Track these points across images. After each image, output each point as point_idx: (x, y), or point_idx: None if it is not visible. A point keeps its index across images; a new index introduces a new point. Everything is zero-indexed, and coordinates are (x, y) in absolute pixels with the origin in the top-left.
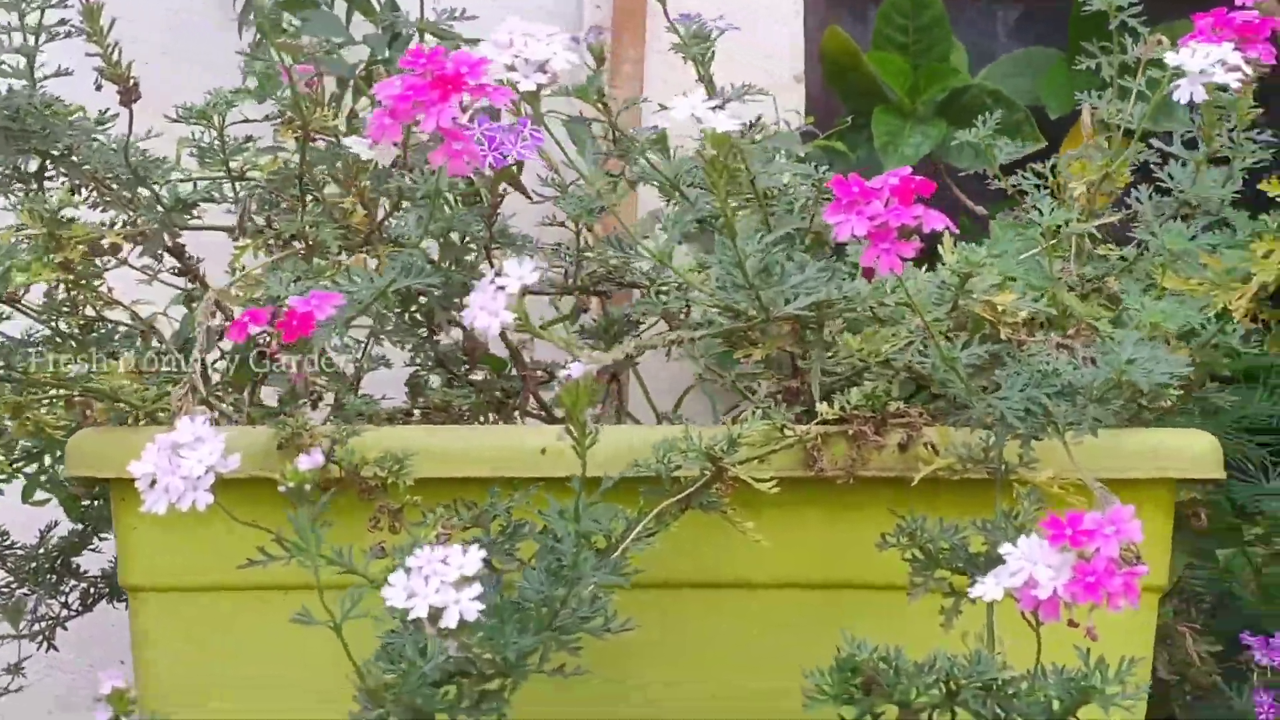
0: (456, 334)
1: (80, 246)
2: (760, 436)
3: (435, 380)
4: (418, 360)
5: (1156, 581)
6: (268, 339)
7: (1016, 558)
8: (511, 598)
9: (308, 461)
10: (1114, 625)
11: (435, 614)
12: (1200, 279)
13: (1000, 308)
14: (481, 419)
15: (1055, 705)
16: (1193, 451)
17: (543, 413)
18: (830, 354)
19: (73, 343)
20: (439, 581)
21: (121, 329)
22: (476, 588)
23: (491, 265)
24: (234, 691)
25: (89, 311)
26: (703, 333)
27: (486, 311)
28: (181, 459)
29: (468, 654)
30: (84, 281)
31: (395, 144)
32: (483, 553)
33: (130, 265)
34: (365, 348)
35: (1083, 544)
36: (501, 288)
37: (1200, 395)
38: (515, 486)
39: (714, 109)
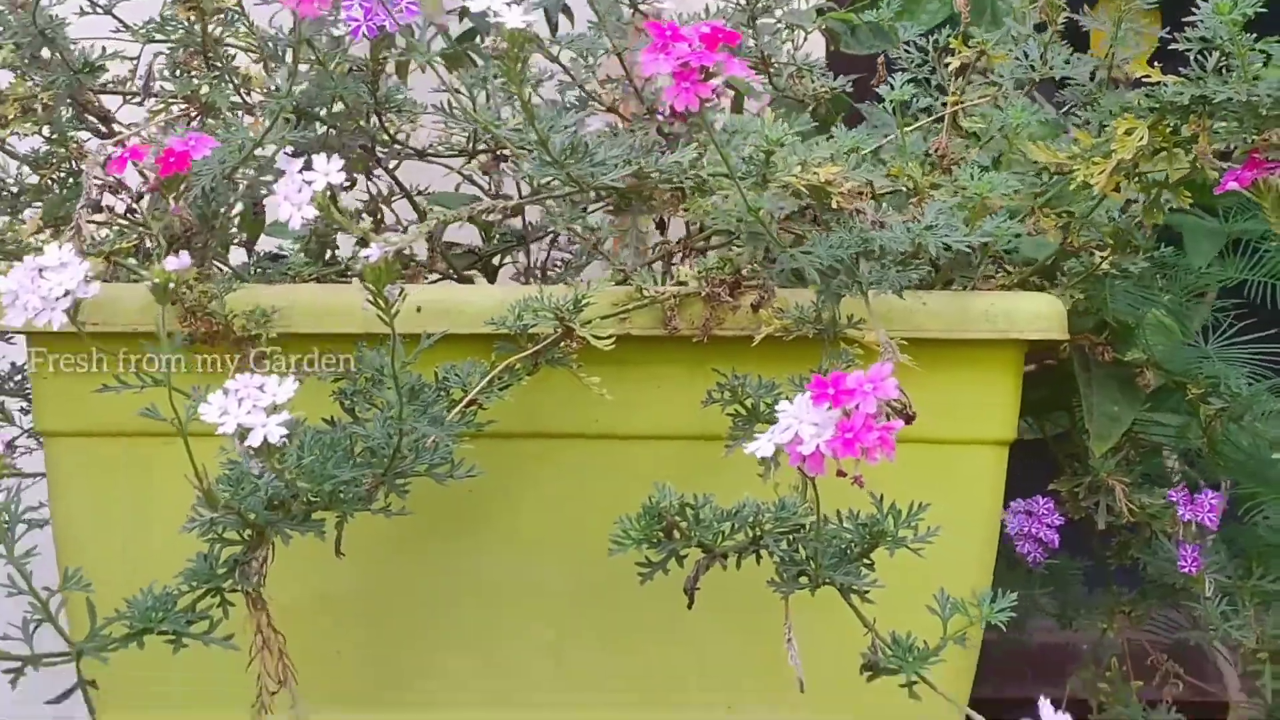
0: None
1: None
2: (624, 297)
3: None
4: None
5: (1005, 435)
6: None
7: (788, 416)
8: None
9: (175, 263)
10: (961, 477)
11: (243, 433)
12: (1069, 154)
13: (825, 179)
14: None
15: (852, 548)
16: (1033, 313)
17: (452, 272)
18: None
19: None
20: (251, 405)
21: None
22: (285, 415)
23: (384, 129)
24: (144, 532)
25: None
26: (511, 202)
27: (290, 203)
28: (43, 280)
29: (284, 481)
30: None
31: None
32: (296, 383)
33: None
34: None
35: (844, 402)
36: (309, 183)
37: (1116, 262)
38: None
39: (509, 4)
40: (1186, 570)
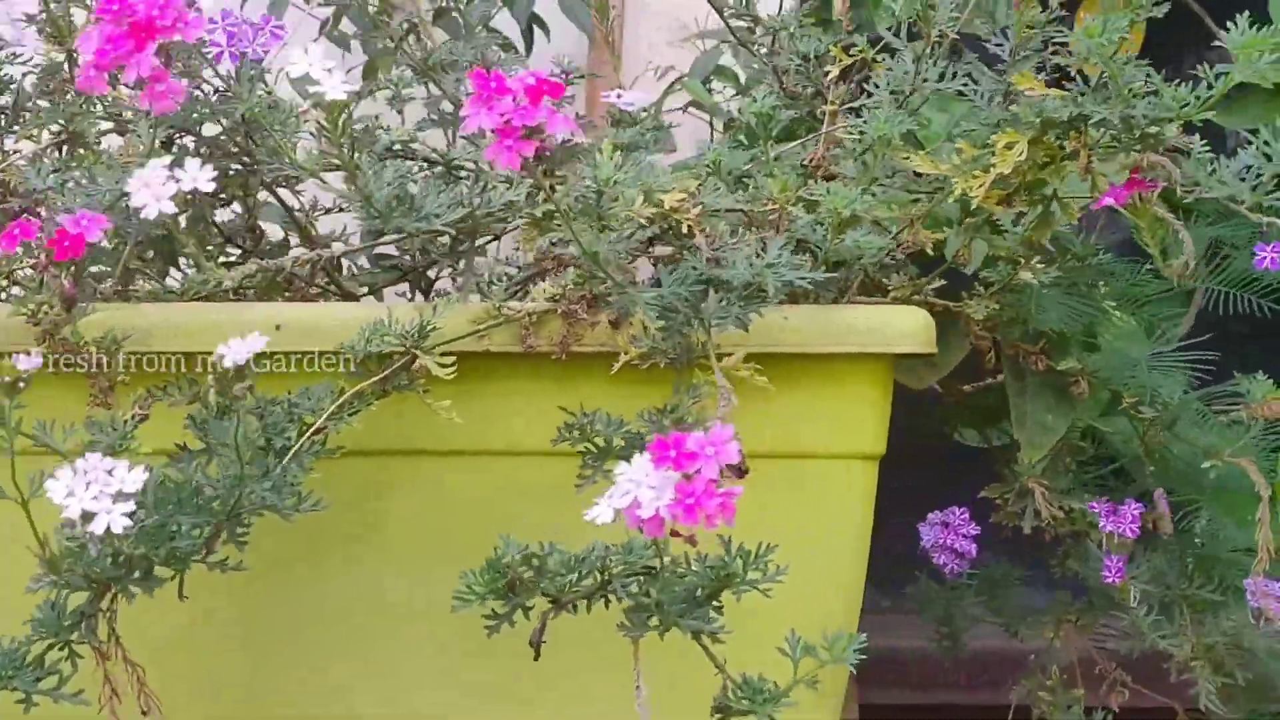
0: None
1: None
2: (483, 314)
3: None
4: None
5: (873, 450)
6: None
7: (626, 479)
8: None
9: (26, 362)
10: (828, 491)
11: (87, 516)
12: (951, 165)
13: (670, 205)
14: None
15: (699, 590)
16: (899, 328)
17: (335, 289)
18: None
19: None
20: (99, 489)
21: None
22: (130, 505)
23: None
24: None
25: None
26: (352, 247)
27: (150, 191)
28: None
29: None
30: None
31: None
32: (146, 474)
33: None
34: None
35: (685, 466)
36: (176, 180)
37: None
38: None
39: (328, 70)
40: (1110, 581)
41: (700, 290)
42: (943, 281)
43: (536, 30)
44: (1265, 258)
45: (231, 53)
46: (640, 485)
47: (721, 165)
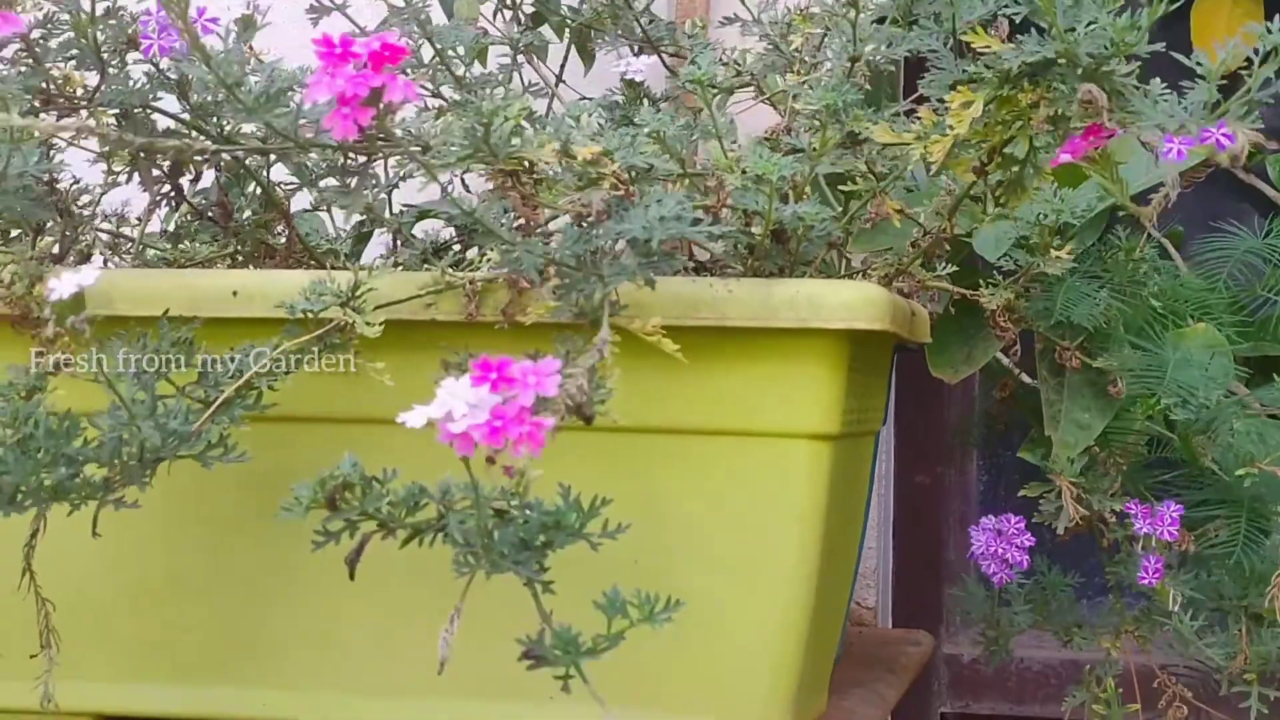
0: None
1: None
2: (430, 281)
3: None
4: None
5: (820, 429)
6: None
7: (446, 392)
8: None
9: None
10: (770, 470)
11: None
12: (913, 133)
13: (583, 158)
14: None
15: (540, 538)
16: (840, 302)
17: (310, 260)
18: None
19: None
20: None
21: None
22: None
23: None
24: None
25: None
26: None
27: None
28: None
29: None
30: None
31: None
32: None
33: None
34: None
35: (502, 389)
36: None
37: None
38: (216, 325)
39: None
40: (1147, 581)
41: (595, 251)
42: (954, 267)
43: None
44: (1172, 149)
45: (162, 46)
46: (457, 399)
47: (664, 133)
